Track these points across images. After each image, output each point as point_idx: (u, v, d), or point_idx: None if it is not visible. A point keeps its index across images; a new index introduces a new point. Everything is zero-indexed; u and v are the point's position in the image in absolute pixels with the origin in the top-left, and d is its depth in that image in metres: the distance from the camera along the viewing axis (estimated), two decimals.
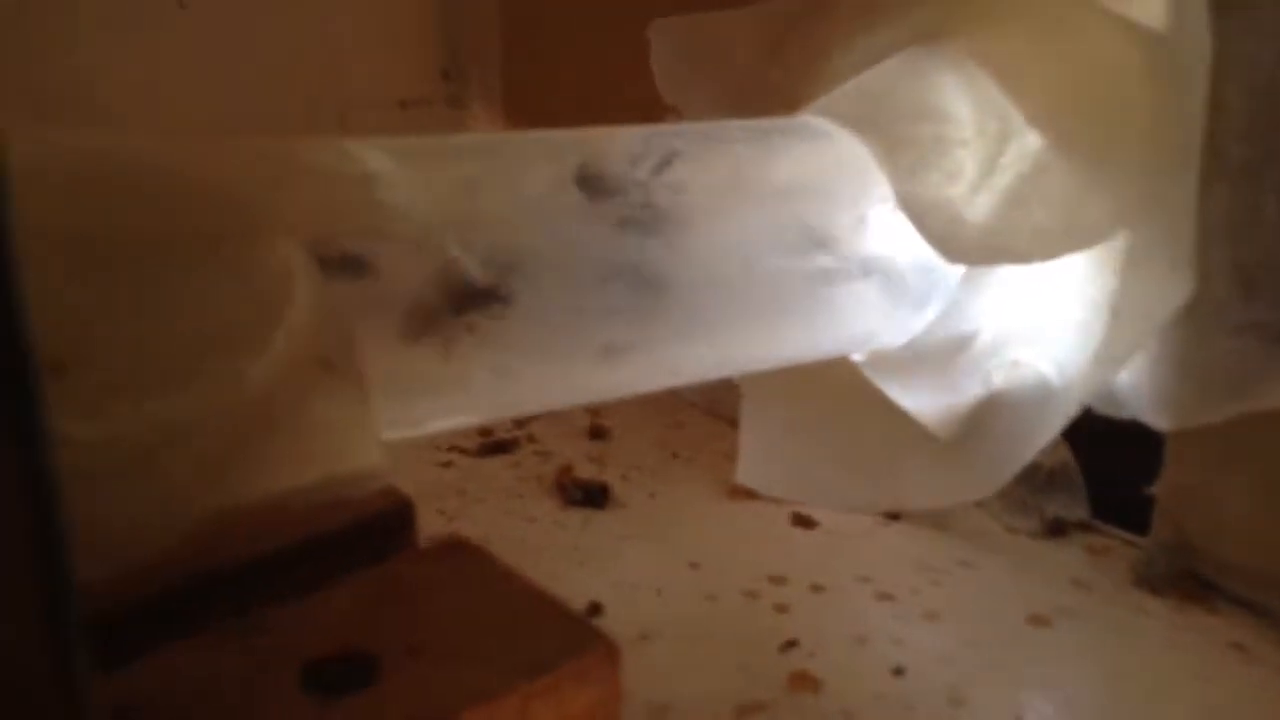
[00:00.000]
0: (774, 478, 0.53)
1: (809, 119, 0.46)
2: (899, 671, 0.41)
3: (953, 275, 0.45)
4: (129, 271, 0.26)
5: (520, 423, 0.60)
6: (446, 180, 0.34)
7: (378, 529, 0.32)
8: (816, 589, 0.46)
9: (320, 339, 0.30)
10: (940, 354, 0.47)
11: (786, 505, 0.52)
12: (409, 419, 0.34)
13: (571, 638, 0.28)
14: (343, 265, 0.31)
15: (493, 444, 0.57)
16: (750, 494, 0.53)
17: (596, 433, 0.59)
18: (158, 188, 0.27)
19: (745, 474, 0.53)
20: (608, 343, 0.38)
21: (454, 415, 0.36)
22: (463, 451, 0.57)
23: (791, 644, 0.42)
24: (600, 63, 0.68)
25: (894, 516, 0.51)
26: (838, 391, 0.52)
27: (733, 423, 0.60)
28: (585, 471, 0.55)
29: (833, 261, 0.42)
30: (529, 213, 0.35)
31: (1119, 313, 0.41)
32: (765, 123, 0.45)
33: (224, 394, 0.28)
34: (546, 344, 0.36)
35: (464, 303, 0.34)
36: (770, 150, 0.44)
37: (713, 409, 0.62)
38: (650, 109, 0.58)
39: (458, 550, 0.31)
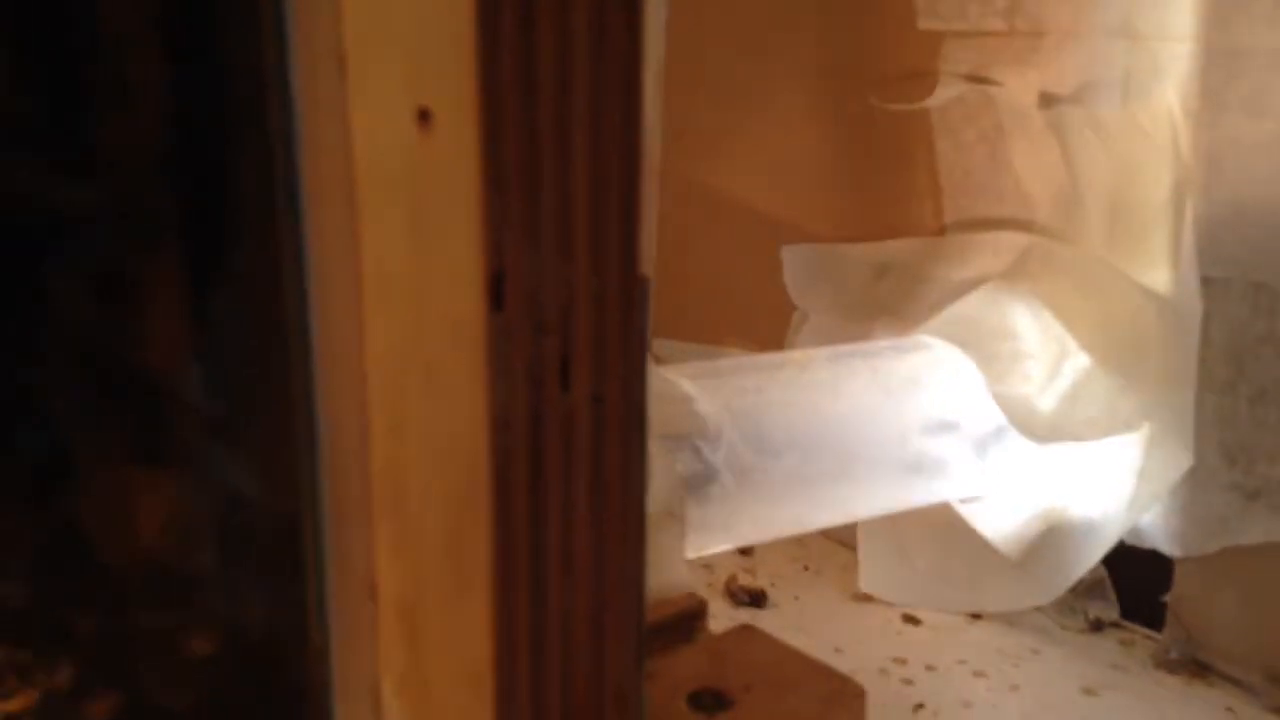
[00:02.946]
0: (888, 586, 0.72)
1: (923, 337, 0.66)
2: None
3: (1029, 447, 0.65)
4: None
5: None
6: (730, 390, 0.54)
7: (689, 617, 0.51)
8: (930, 668, 0.65)
9: (669, 498, 0.49)
10: (1014, 499, 0.67)
11: (897, 608, 0.71)
12: (695, 547, 0.54)
13: (837, 682, 0.46)
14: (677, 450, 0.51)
15: None
16: (869, 598, 0.72)
17: (744, 551, 0.78)
18: None
19: (866, 583, 0.72)
20: (810, 498, 0.57)
21: (718, 545, 0.55)
22: None
23: (920, 706, 0.61)
24: (737, 275, 0.88)
25: (977, 616, 0.70)
26: (935, 521, 0.71)
27: (842, 543, 0.79)
28: (744, 580, 0.73)
29: (949, 438, 0.62)
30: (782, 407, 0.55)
31: (1144, 475, 0.61)
32: (900, 341, 0.65)
33: None
34: (777, 501, 0.55)
35: (740, 477, 0.53)
36: (901, 360, 0.64)
37: (827, 532, 0.81)
38: (779, 313, 0.78)
39: (747, 631, 0.50)
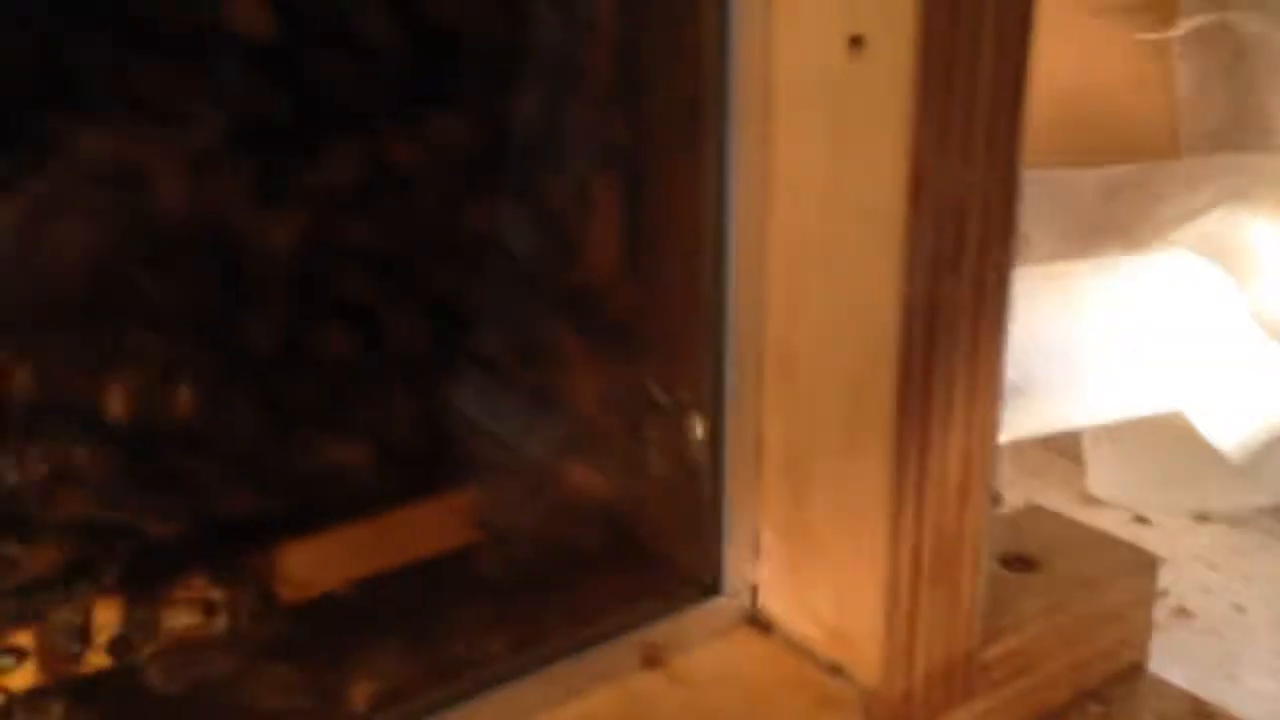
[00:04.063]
0: (1117, 489, 0.77)
1: (1164, 251, 0.70)
2: (1239, 609, 0.65)
3: (1258, 357, 0.69)
4: None
5: None
6: None
7: None
8: (1165, 560, 0.70)
9: None
10: (1241, 406, 0.71)
11: (1125, 509, 0.76)
12: None
13: (1130, 549, 0.52)
14: None
15: None
16: (1097, 501, 0.77)
17: None
18: None
19: (1095, 486, 0.77)
20: (1058, 400, 0.62)
21: None
22: None
23: (1164, 592, 0.66)
24: None
25: (1203, 518, 0.75)
26: (1160, 426, 0.75)
27: (1060, 453, 0.84)
28: None
29: (1185, 347, 0.67)
30: None
31: None
32: (1141, 255, 0.69)
33: None
34: (1031, 400, 0.61)
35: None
36: (1142, 271, 0.68)
37: (1046, 443, 0.86)
38: None
39: (1037, 508, 0.56)
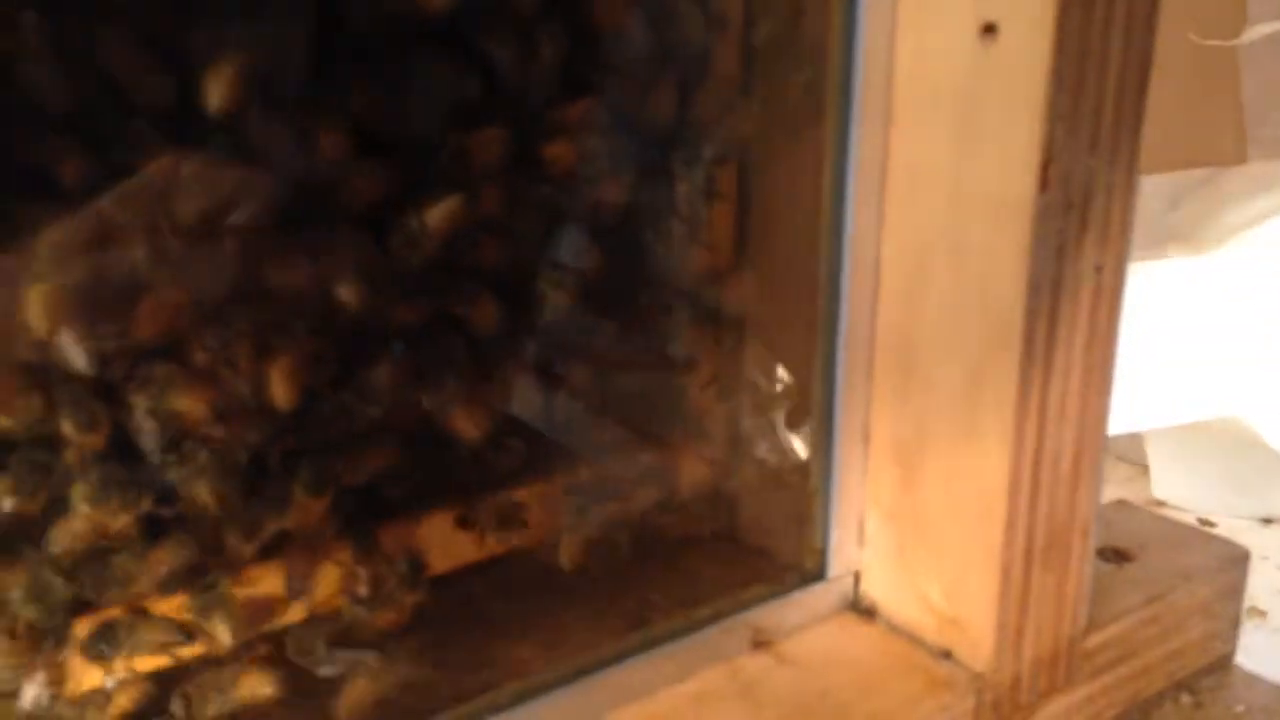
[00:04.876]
0: (1181, 493, 0.77)
1: (1241, 254, 0.71)
2: None
3: None
4: None
5: None
6: None
7: None
8: None
9: None
10: None
11: (1190, 512, 0.77)
12: None
13: (1222, 543, 0.53)
14: None
15: None
16: (1161, 504, 0.78)
17: None
18: None
19: (1159, 490, 0.78)
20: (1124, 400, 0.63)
21: None
22: None
23: None
24: None
25: (1268, 520, 0.75)
26: (1223, 431, 0.76)
27: (1120, 458, 0.84)
28: None
29: (1249, 349, 0.67)
30: None
31: None
32: (1204, 257, 0.70)
33: None
34: None
35: None
36: (1204, 274, 0.69)
37: None
38: None
39: (1124, 503, 0.56)
